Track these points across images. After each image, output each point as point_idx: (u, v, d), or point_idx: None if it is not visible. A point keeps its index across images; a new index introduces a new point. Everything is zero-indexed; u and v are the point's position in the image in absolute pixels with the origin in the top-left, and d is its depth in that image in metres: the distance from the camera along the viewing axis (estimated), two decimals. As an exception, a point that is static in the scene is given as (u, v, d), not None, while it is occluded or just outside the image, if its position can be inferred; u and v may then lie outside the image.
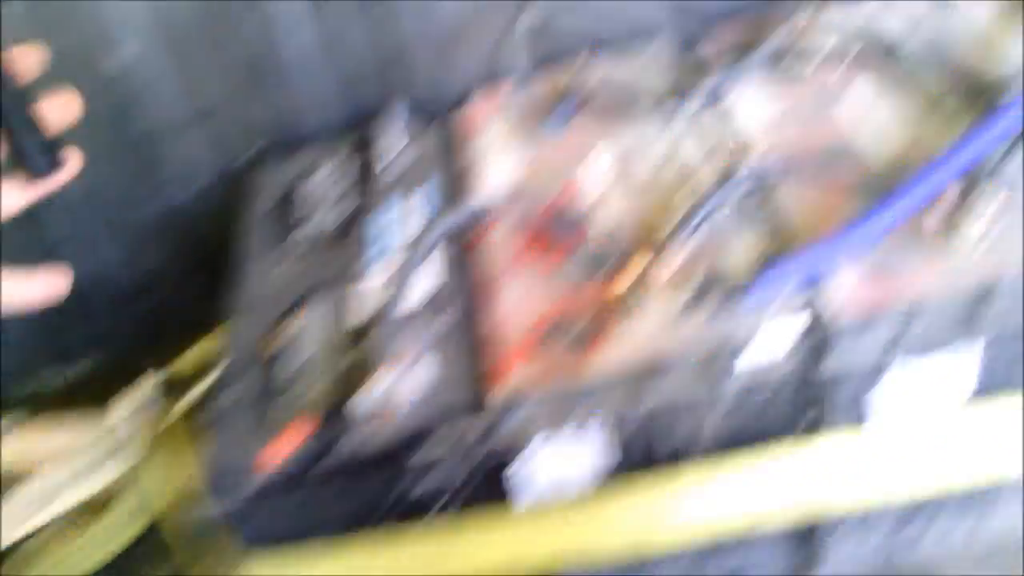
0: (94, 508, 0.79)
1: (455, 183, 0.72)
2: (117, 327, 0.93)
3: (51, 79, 0.45)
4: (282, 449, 0.56)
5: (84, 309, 0.91)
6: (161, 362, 0.83)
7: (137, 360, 0.84)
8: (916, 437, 0.56)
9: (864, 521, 0.60)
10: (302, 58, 0.80)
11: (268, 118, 0.83)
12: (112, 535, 0.79)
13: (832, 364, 0.52)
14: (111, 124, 0.80)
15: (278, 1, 0.77)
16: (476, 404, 0.56)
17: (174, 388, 0.81)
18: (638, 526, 0.58)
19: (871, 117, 0.63)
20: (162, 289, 0.89)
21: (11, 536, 0.77)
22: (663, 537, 0.59)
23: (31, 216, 0.81)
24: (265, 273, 0.71)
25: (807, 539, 0.61)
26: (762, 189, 0.60)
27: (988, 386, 0.54)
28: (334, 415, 0.57)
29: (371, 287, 0.65)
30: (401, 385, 0.54)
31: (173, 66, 0.79)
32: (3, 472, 0.80)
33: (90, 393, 0.86)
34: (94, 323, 0.93)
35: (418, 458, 0.55)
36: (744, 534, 0.60)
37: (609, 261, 0.57)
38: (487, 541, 0.59)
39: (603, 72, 0.76)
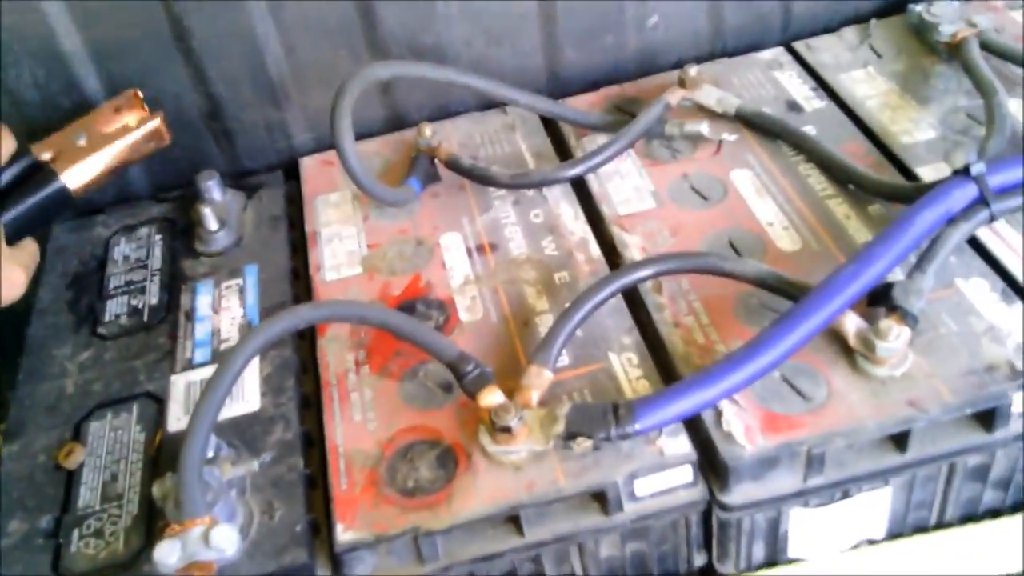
0: None
1: (287, 266, 0.61)
2: None
3: None
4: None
5: None
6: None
7: None
8: None
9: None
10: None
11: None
12: None
13: (735, 498, 0.45)
14: None
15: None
16: (316, 552, 0.46)
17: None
18: None
19: (761, 203, 0.57)
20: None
21: None
22: None
23: None
24: (61, 362, 0.58)
25: None
26: (640, 289, 0.53)
27: (900, 526, 0.49)
28: (135, 567, 0.46)
29: (190, 385, 0.54)
30: (214, 539, 0.43)
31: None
32: None
33: None
34: None
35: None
36: None
37: (468, 375, 0.47)
38: None
39: (460, 135, 0.68)
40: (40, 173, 0.59)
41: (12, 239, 0.57)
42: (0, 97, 0.64)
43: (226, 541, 0.43)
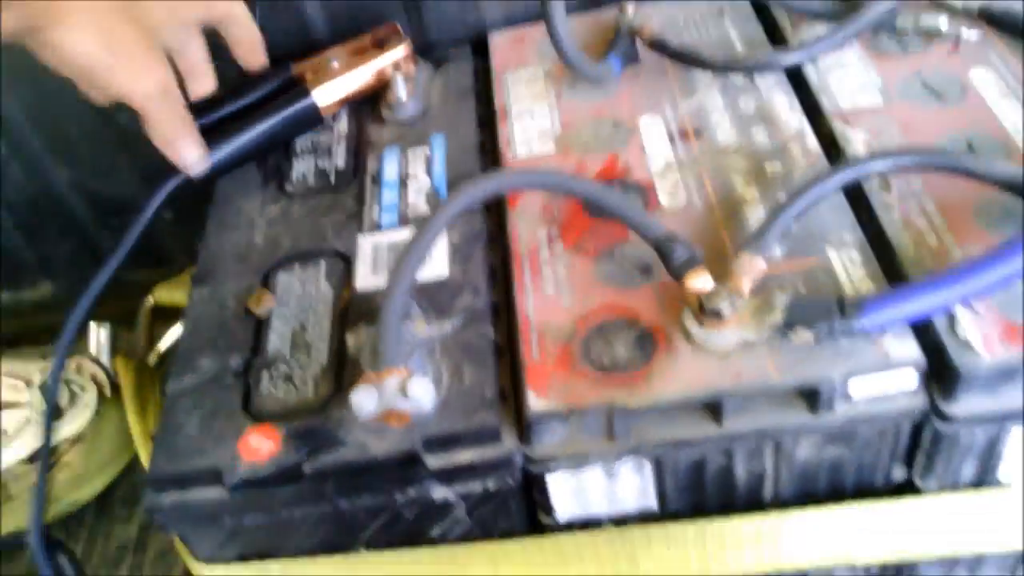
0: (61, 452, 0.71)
1: (475, 139, 0.60)
2: (70, 250, 0.83)
3: None
4: (257, 445, 0.45)
5: (35, 231, 0.82)
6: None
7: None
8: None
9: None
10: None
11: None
12: (81, 481, 0.72)
13: (959, 409, 0.41)
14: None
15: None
16: (502, 418, 0.45)
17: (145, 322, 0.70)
18: (682, 571, 0.48)
19: (1006, 105, 0.51)
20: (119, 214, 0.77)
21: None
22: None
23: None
24: (252, 213, 0.59)
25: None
26: (862, 187, 0.49)
27: None
28: (326, 412, 0.46)
29: (380, 250, 0.53)
30: (411, 390, 0.42)
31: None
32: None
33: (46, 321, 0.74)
34: (46, 246, 0.83)
35: (437, 469, 0.44)
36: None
37: (676, 256, 0.45)
38: (504, 564, 0.49)
39: (663, 18, 0.64)
40: (295, 88, 0.62)
41: (263, 145, 0.61)
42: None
43: (423, 393, 0.42)
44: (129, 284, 0.63)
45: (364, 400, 0.42)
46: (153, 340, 0.69)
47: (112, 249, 0.59)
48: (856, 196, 0.49)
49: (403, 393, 0.42)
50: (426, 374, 0.45)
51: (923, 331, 0.42)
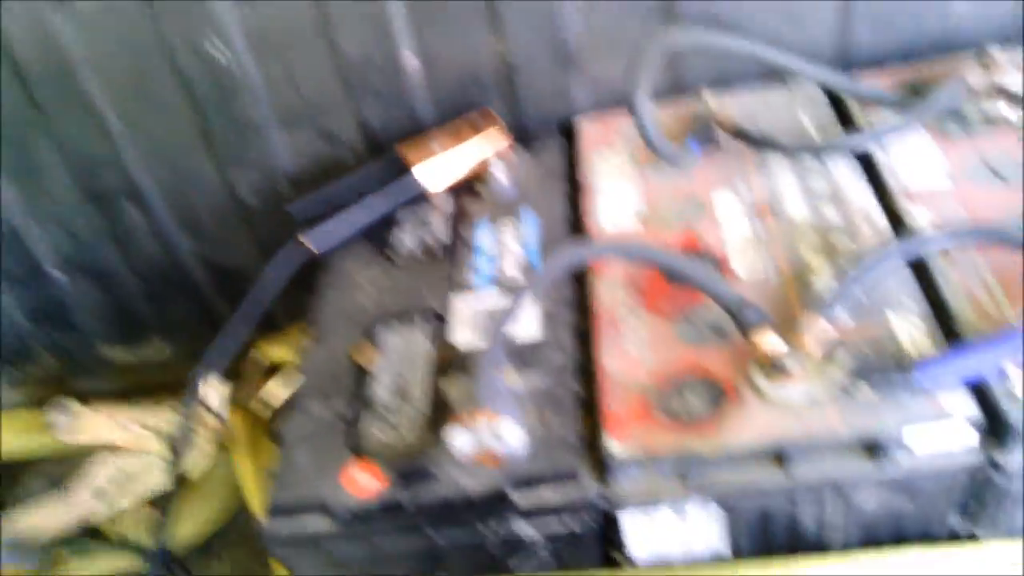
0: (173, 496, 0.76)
1: (564, 215, 0.65)
2: (188, 313, 0.90)
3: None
4: (363, 482, 0.50)
5: (153, 292, 0.89)
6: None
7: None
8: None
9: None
10: (399, 69, 0.74)
11: (356, 125, 0.77)
12: (192, 524, 0.79)
13: (1011, 462, 0.44)
14: (209, 112, 0.75)
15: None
16: (583, 463, 0.49)
17: (253, 375, 0.76)
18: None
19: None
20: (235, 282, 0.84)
21: (87, 514, 0.76)
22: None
23: (101, 199, 0.80)
24: (359, 278, 0.65)
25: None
26: (925, 260, 0.52)
27: None
28: (425, 453, 0.51)
29: (474, 311, 0.58)
30: (504, 430, 0.47)
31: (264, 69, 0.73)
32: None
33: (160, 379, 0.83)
34: (162, 307, 0.90)
35: (523, 507, 0.49)
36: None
37: (745, 317, 0.49)
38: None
39: (738, 106, 0.69)
40: (398, 166, 0.69)
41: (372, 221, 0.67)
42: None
43: (513, 435, 0.47)
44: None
45: (460, 439, 0.47)
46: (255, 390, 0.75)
47: (228, 315, 0.66)
48: (920, 269, 0.52)
49: (494, 434, 0.47)
50: (516, 420, 0.49)
51: (981, 391, 0.45)
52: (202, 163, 0.79)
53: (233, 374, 0.78)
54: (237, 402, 0.76)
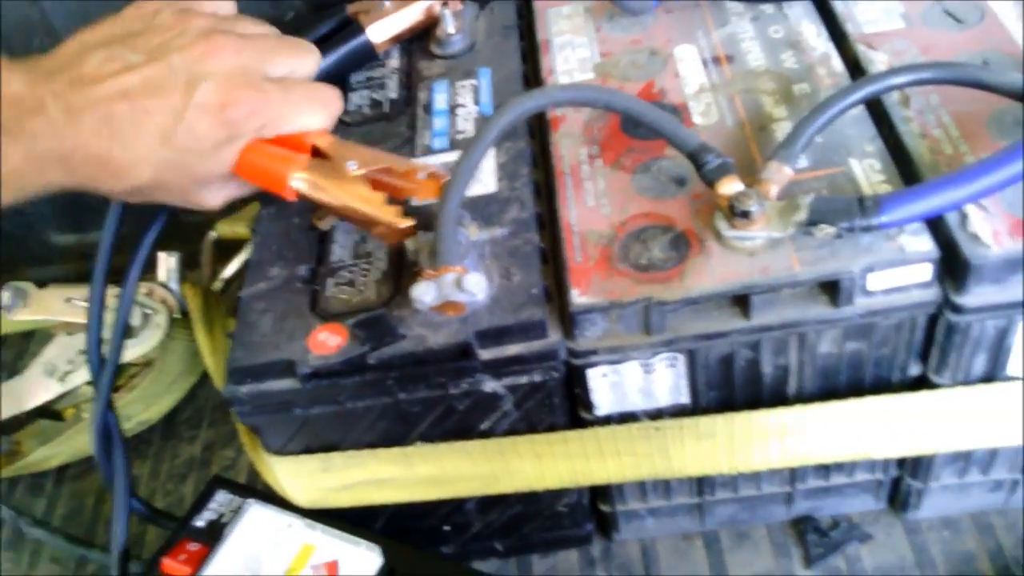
0: (129, 373, 0.77)
1: (519, 71, 0.64)
2: None
3: None
4: (326, 341, 0.49)
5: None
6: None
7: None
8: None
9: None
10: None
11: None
12: (150, 401, 0.78)
13: (970, 301, 0.45)
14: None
15: None
16: (549, 314, 0.49)
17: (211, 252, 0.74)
18: (711, 463, 0.52)
19: (1021, 29, 0.54)
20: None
21: (39, 398, 0.76)
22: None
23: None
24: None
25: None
26: (882, 104, 0.52)
27: None
28: (387, 306, 0.50)
29: (430, 166, 0.57)
30: (467, 283, 0.47)
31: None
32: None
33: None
34: None
35: (489, 360, 0.49)
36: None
37: (709, 164, 0.49)
38: (547, 456, 0.54)
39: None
40: (349, 27, 0.66)
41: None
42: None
43: (477, 286, 0.47)
44: (191, 226, 0.68)
45: (424, 293, 0.47)
46: (216, 272, 0.74)
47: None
48: (877, 112, 0.52)
49: (459, 287, 0.46)
50: (480, 273, 0.49)
51: (937, 229, 0.46)
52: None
53: (190, 262, 0.77)
54: (195, 283, 0.74)
